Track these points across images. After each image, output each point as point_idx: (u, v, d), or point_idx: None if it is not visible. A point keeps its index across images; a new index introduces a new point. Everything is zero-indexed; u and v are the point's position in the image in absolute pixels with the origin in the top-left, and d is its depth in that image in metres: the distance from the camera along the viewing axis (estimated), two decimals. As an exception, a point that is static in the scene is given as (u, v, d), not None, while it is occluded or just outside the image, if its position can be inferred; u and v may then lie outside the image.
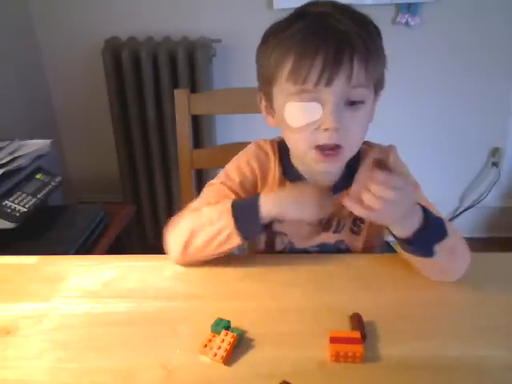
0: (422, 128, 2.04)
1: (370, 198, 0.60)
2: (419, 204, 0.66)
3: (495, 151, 2.07)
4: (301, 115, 0.67)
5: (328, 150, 0.68)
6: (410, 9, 1.82)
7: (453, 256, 0.69)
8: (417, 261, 0.71)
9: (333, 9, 0.67)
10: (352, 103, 0.66)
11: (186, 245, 0.75)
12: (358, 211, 0.62)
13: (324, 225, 0.81)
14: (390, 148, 0.80)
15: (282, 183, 0.81)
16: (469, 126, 2.03)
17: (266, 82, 0.72)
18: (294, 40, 0.65)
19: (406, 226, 0.66)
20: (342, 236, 0.82)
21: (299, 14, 0.69)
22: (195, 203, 0.80)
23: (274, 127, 0.76)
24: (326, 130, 0.66)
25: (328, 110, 0.65)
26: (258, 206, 0.71)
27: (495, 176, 2.10)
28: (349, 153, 0.72)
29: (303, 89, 0.65)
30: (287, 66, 0.66)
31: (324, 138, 0.67)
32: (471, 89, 1.96)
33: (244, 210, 0.72)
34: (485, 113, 2.00)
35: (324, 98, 0.65)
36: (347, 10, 0.68)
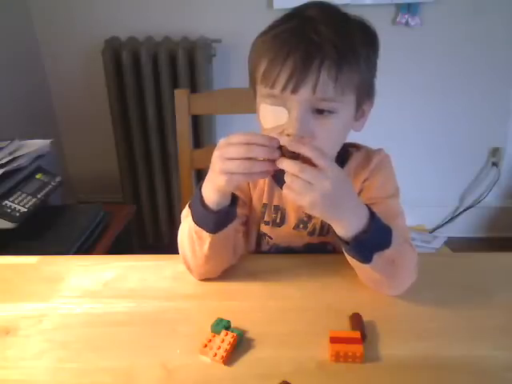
0: (422, 128, 2.04)
1: (288, 180, 0.59)
2: (369, 209, 0.65)
3: (495, 151, 2.07)
4: (269, 118, 0.68)
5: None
6: (410, 9, 1.82)
7: (390, 270, 0.67)
8: (352, 263, 0.70)
9: (321, 14, 0.66)
10: (321, 111, 0.66)
11: (185, 260, 0.74)
12: (283, 190, 0.60)
13: (309, 230, 0.81)
14: (376, 152, 0.81)
15: (272, 184, 0.82)
16: (469, 126, 2.03)
17: (251, 80, 0.73)
18: (272, 44, 0.66)
19: (346, 226, 0.64)
20: (328, 238, 0.82)
21: (289, 16, 0.69)
22: (185, 211, 0.77)
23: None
24: (289, 135, 0.65)
25: (293, 117, 0.65)
26: (201, 193, 0.68)
27: (495, 176, 2.10)
28: None
29: (271, 93, 0.66)
30: (261, 69, 0.67)
31: (286, 143, 0.66)
32: (471, 89, 1.96)
33: (195, 203, 0.69)
34: (485, 113, 2.00)
35: (290, 104, 0.65)
36: (336, 16, 0.68)
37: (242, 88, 1.14)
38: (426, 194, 2.08)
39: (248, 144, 0.60)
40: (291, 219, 0.82)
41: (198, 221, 0.69)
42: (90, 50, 1.93)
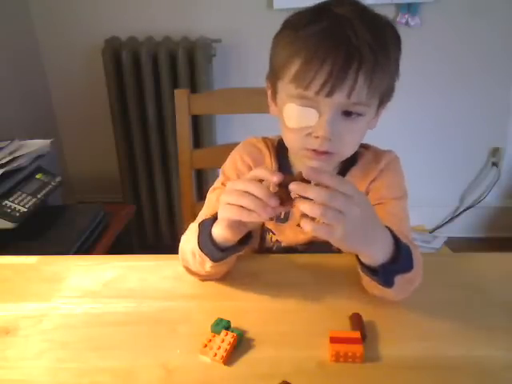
0: (422, 128, 2.04)
1: (310, 207, 0.54)
2: (390, 230, 0.62)
3: (495, 151, 2.07)
4: (297, 118, 0.68)
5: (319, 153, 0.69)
6: (410, 9, 1.82)
7: (407, 287, 0.66)
8: (367, 281, 0.67)
9: (353, 13, 0.64)
10: (349, 114, 0.66)
11: (187, 267, 0.74)
12: (306, 227, 0.55)
13: None
14: (386, 153, 0.81)
15: None
16: (469, 126, 2.03)
17: (274, 74, 0.72)
18: (306, 43, 0.64)
19: (374, 255, 0.61)
20: None
21: (320, 12, 0.66)
22: (201, 212, 0.79)
23: (275, 115, 0.76)
24: (317, 137, 0.66)
25: (323, 120, 0.65)
26: (210, 226, 0.66)
27: (495, 176, 2.10)
28: (339, 158, 0.74)
29: (304, 95, 0.65)
30: (293, 68, 0.65)
31: (315, 144, 0.68)
32: (471, 89, 1.96)
33: (203, 230, 0.67)
34: (485, 113, 2.00)
35: (322, 107, 0.65)
36: (368, 16, 0.66)
37: (242, 88, 1.14)
38: (426, 194, 2.07)
39: (246, 192, 0.58)
40: (296, 216, 0.81)
41: (203, 247, 0.67)
42: (90, 49, 1.93)
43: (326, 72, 0.62)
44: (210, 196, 0.84)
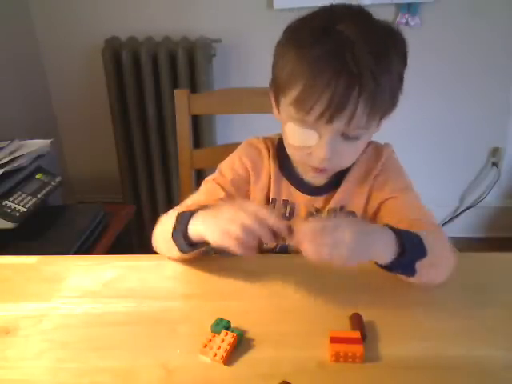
0: (422, 128, 2.04)
1: (305, 248, 0.59)
2: (390, 228, 0.64)
3: (495, 151, 2.07)
4: (298, 138, 0.70)
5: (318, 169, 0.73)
6: (410, 9, 1.82)
7: (433, 269, 0.68)
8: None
9: (357, 34, 0.62)
10: (349, 136, 0.68)
11: (157, 247, 0.78)
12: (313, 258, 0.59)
13: None
14: (385, 146, 0.83)
15: (279, 179, 0.83)
16: (469, 126, 2.03)
17: (276, 87, 0.72)
18: (310, 67, 0.63)
19: (382, 256, 0.64)
20: None
21: (325, 30, 0.64)
22: (187, 200, 0.82)
23: (278, 120, 0.77)
24: (318, 157, 0.69)
25: (323, 142, 0.67)
26: (188, 222, 0.69)
27: (495, 176, 2.10)
28: (338, 169, 0.77)
29: (304, 119, 0.66)
30: (294, 92, 0.65)
31: (314, 162, 0.71)
32: (471, 89, 1.96)
33: (179, 223, 0.70)
34: (485, 113, 2.00)
35: (322, 130, 0.67)
36: (372, 32, 0.65)
37: (242, 88, 1.14)
38: (426, 194, 2.07)
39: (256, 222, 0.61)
40: (301, 213, 0.82)
41: (175, 238, 0.70)
42: (90, 49, 1.93)
43: (327, 99, 0.62)
44: (203, 187, 0.86)
